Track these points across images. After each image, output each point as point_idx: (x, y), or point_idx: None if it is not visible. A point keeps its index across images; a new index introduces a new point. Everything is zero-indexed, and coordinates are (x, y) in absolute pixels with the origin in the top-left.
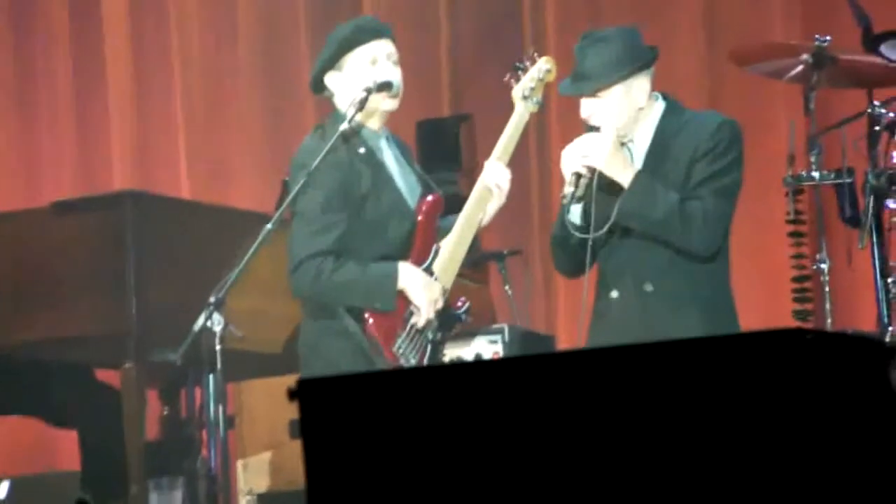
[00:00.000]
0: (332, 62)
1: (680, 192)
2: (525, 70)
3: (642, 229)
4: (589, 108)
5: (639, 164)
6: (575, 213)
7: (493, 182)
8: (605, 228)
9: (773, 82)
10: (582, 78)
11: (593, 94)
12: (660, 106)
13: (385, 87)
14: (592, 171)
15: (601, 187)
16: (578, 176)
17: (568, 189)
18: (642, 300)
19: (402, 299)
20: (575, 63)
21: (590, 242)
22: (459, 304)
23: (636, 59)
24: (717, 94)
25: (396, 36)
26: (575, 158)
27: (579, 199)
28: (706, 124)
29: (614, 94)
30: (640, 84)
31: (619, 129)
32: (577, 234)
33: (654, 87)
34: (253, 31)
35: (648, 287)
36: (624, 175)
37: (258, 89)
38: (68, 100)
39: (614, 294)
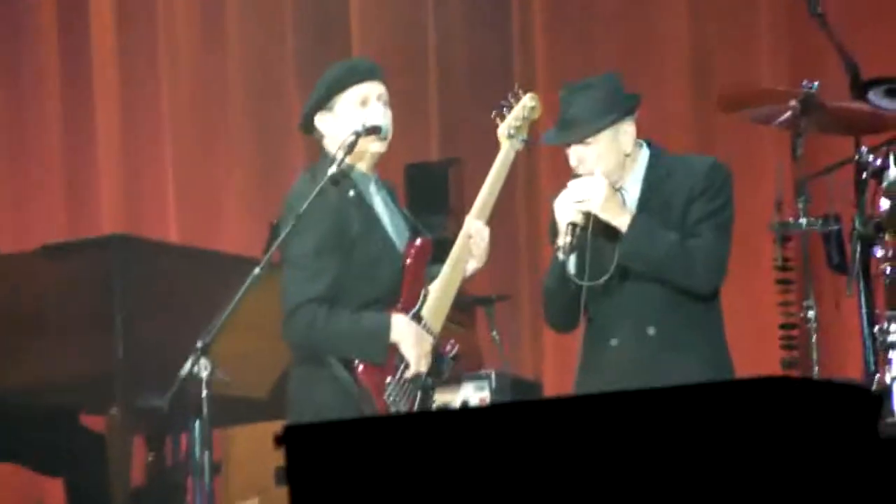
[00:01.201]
0: (322, 103)
1: (678, 233)
2: (510, 108)
3: (645, 270)
4: (577, 155)
5: (632, 211)
6: (571, 263)
7: (471, 241)
8: (608, 276)
9: (761, 127)
10: (568, 126)
11: (580, 141)
12: (645, 153)
13: (374, 130)
14: (587, 219)
15: (596, 234)
16: (574, 226)
17: (564, 239)
18: (645, 345)
19: (393, 348)
20: (559, 112)
21: (584, 290)
22: (448, 347)
23: (621, 105)
24: (706, 138)
25: (385, 77)
26: (569, 206)
27: (574, 249)
28: (698, 166)
29: (602, 140)
30: (626, 130)
31: (608, 175)
32: (579, 283)
33: (640, 133)
34: (242, 73)
35: (651, 331)
36: (621, 218)
37: (247, 132)
38: (57, 142)
39: (614, 342)
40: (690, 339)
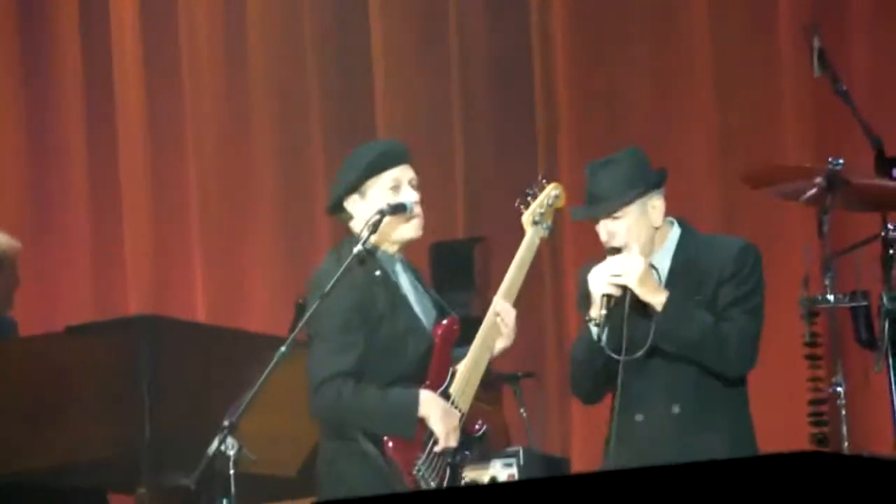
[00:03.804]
0: (354, 187)
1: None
2: (535, 196)
3: (678, 351)
4: (606, 230)
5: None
6: (604, 336)
7: (499, 320)
8: (643, 351)
9: (786, 204)
10: (596, 200)
11: (609, 216)
12: (676, 230)
13: (399, 209)
14: (622, 293)
15: (632, 310)
16: (609, 298)
17: (598, 311)
18: (669, 423)
19: (422, 424)
20: (586, 188)
21: (621, 364)
22: (477, 427)
23: (647, 178)
24: (732, 215)
25: (412, 156)
26: (605, 279)
27: (607, 322)
28: (728, 247)
29: (630, 214)
30: (654, 203)
31: (639, 249)
32: (614, 356)
33: (667, 209)
34: (268, 151)
35: (676, 409)
36: (656, 296)
37: (274, 211)
38: (83, 220)
39: (639, 417)
40: (715, 419)
